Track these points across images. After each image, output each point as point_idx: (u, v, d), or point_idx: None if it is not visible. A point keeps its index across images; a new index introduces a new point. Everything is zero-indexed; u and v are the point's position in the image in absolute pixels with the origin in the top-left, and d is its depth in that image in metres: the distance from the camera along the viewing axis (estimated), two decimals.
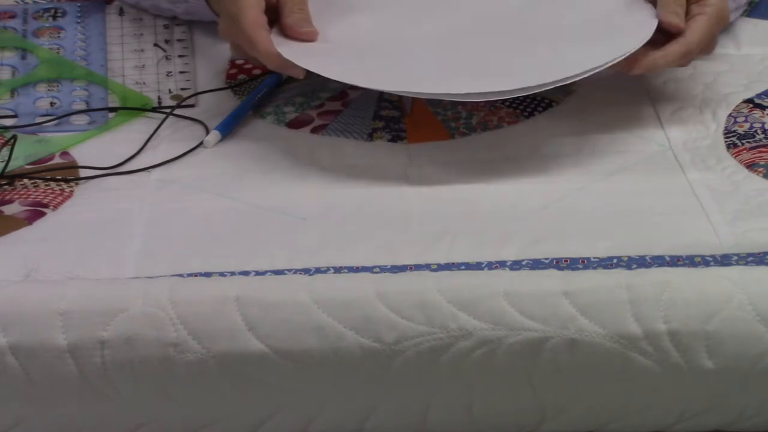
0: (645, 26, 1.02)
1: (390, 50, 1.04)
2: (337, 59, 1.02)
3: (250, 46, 1.03)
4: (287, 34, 1.05)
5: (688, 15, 1.04)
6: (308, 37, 1.05)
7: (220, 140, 1.05)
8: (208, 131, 1.06)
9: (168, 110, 1.09)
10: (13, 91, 1.11)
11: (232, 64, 1.17)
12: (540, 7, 1.09)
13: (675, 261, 0.90)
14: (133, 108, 1.09)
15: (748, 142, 1.04)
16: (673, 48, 1.02)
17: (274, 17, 1.06)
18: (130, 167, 1.02)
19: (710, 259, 0.90)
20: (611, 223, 0.94)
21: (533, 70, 0.99)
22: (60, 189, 0.99)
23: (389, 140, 1.06)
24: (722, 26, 1.05)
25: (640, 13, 1.05)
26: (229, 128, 1.06)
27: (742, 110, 1.09)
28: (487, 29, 1.07)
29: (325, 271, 0.89)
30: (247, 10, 1.02)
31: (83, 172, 1.01)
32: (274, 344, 0.82)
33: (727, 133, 1.06)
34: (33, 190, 0.99)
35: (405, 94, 1.01)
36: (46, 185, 1.00)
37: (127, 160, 1.03)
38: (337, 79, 0.99)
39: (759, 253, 0.90)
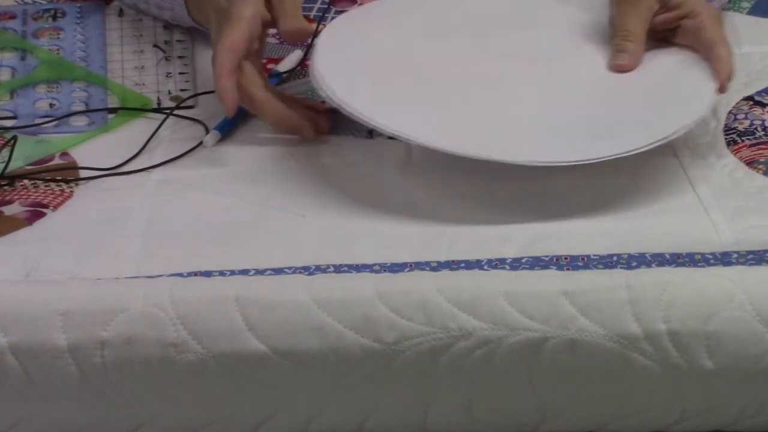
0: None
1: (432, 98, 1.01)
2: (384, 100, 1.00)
3: (213, 63, 1.01)
4: (287, 40, 1.06)
5: (687, 31, 1.06)
6: (305, 33, 1.06)
7: (220, 140, 1.05)
8: (207, 131, 1.06)
9: (168, 111, 1.09)
10: (12, 93, 1.11)
11: None
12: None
13: (675, 258, 0.90)
14: (132, 108, 1.09)
15: (748, 139, 1.04)
16: (723, 51, 1.03)
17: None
18: (130, 168, 1.02)
19: (710, 256, 0.90)
20: (611, 221, 0.94)
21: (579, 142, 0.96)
22: (60, 189, 0.99)
23: (389, 137, 1.05)
24: (721, 24, 1.06)
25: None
26: (228, 128, 1.06)
27: (742, 107, 1.09)
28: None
29: (325, 268, 0.89)
30: (234, 28, 1.01)
31: (83, 173, 1.01)
32: (274, 344, 0.82)
33: (727, 130, 1.06)
34: (33, 190, 0.99)
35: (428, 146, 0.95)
36: (46, 186, 1.00)
37: (127, 161, 1.03)
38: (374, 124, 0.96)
39: (759, 251, 0.90)
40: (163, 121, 1.07)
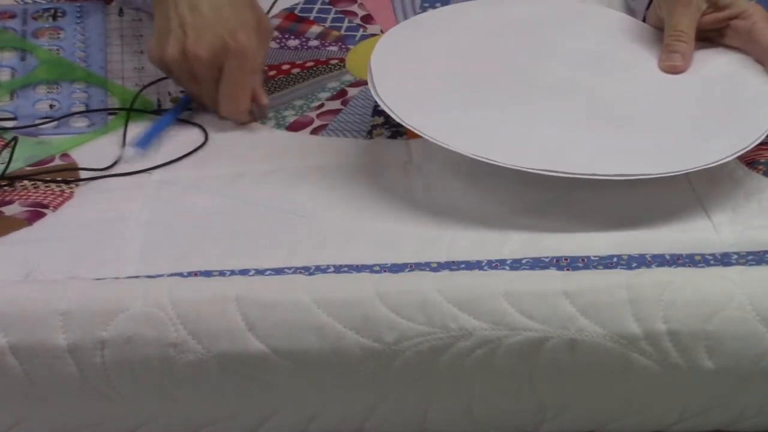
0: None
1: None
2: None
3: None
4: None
5: (737, 32, 1.06)
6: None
7: (201, 145, 1.04)
8: (206, 134, 1.06)
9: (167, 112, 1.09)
10: (12, 93, 1.11)
11: None
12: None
13: (675, 260, 0.90)
14: (133, 110, 1.09)
15: None
16: None
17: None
18: (130, 169, 1.02)
19: (710, 257, 0.90)
20: (611, 222, 0.94)
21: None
22: (60, 190, 0.99)
23: (389, 137, 1.06)
24: None
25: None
26: (148, 143, 1.04)
27: None
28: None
29: (326, 269, 0.89)
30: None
31: (83, 174, 1.01)
32: (274, 344, 0.82)
33: None
34: (33, 191, 0.99)
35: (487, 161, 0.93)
36: (47, 186, 1.00)
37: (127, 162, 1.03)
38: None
39: (759, 252, 0.91)
40: (159, 119, 1.07)
